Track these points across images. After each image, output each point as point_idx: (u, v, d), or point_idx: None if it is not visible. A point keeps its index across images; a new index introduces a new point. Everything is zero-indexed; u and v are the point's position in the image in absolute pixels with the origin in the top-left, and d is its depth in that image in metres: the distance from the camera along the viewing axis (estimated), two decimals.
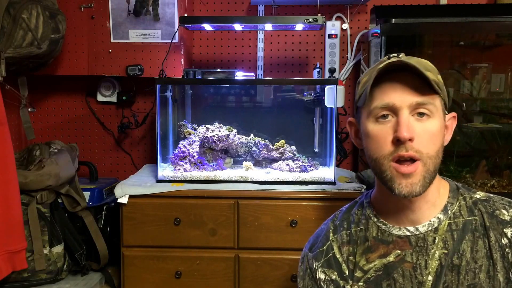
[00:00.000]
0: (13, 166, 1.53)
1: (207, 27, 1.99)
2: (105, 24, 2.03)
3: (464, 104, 1.95)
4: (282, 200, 1.72)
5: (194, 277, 1.76)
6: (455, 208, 0.94)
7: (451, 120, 0.97)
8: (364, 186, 1.75)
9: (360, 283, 0.96)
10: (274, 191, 1.74)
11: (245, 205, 1.73)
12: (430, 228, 0.93)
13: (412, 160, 0.88)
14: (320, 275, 1.01)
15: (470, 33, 1.90)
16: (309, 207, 1.71)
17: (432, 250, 0.92)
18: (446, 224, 0.93)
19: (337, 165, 2.16)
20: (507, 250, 0.89)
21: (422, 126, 0.88)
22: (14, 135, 2.18)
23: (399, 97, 0.88)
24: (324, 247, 1.03)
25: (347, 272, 0.98)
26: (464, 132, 1.92)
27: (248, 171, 1.88)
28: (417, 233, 0.94)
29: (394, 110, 0.89)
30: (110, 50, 2.04)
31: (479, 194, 0.97)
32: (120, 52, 2.04)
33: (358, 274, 0.97)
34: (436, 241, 0.92)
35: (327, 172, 1.87)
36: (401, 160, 0.88)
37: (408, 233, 0.95)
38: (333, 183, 1.79)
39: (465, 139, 1.93)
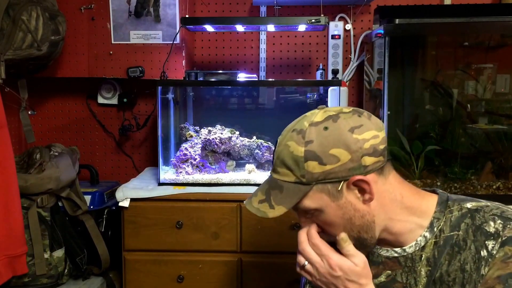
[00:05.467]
0: (13, 169, 1.51)
1: (209, 28, 1.98)
2: (106, 25, 2.01)
3: (469, 105, 1.93)
4: None
5: (197, 281, 1.74)
6: (441, 224, 0.91)
7: (352, 190, 0.88)
8: None
9: None
10: None
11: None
12: (417, 248, 0.91)
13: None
14: None
15: (475, 33, 1.88)
16: None
17: (419, 268, 0.91)
18: (433, 242, 0.90)
19: None
20: (482, 262, 0.85)
21: (318, 222, 0.92)
22: (14, 138, 2.16)
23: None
24: None
25: None
26: (469, 133, 1.90)
27: (251, 173, 1.86)
28: (405, 254, 0.92)
29: None
30: (111, 52, 2.03)
31: (471, 204, 0.92)
32: (121, 53, 2.02)
33: None
34: (422, 258, 0.91)
35: None
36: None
37: (396, 255, 0.93)
38: None
39: (470, 140, 1.91)
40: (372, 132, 0.86)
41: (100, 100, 2.25)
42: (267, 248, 1.71)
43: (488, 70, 1.93)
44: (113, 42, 2.02)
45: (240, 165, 1.97)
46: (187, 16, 1.98)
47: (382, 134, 0.88)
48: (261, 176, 1.84)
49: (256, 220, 1.70)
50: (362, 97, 2.16)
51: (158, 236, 1.73)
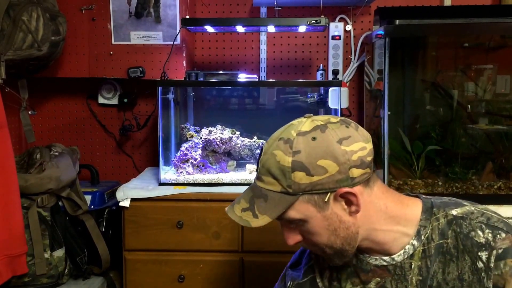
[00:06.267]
0: (13, 169, 1.51)
1: (209, 28, 1.98)
2: (106, 26, 2.01)
3: (469, 106, 1.93)
4: None
5: (198, 281, 1.74)
6: (428, 231, 0.90)
7: (339, 201, 0.87)
8: None
9: None
10: None
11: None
12: (406, 257, 0.91)
13: None
14: None
15: (475, 34, 1.88)
16: None
17: (410, 276, 0.90)
18: (421, 250, 0.90)
19: None
20: (482, 274, 0.85)
21: (301, 232, 0.91)
22: (15, 138, 2.16)
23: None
24: (306, 267, 1.03)
25: None
26: (469, 134, 1.90)
27: (252, 173, 1.86)
28: (394, 262, 0.92)
29: None
30: (111, 52, 2.03)
31: (456, 211, 0.91)
32: (121, 54, 2.02)
33: None
34: (413, 267, 0.90)
35: None
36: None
37: (384, 263, 0.93)
38: None
39: (470, 141, 1.91)
40: (360, 144, 0.86)
41: (101, 100, 2.24)
42: (269, 248, 1.71)
43: (488, 71, 1.94)
44: (113, 42, 2.02)
45: (241, 165, 1.96)
46: (187, 16, 1.98)
47: (370, 146, 0.88)
48: None
49: None
50: (363, 98, 2.17)
51: (159, 236, 1.73)
